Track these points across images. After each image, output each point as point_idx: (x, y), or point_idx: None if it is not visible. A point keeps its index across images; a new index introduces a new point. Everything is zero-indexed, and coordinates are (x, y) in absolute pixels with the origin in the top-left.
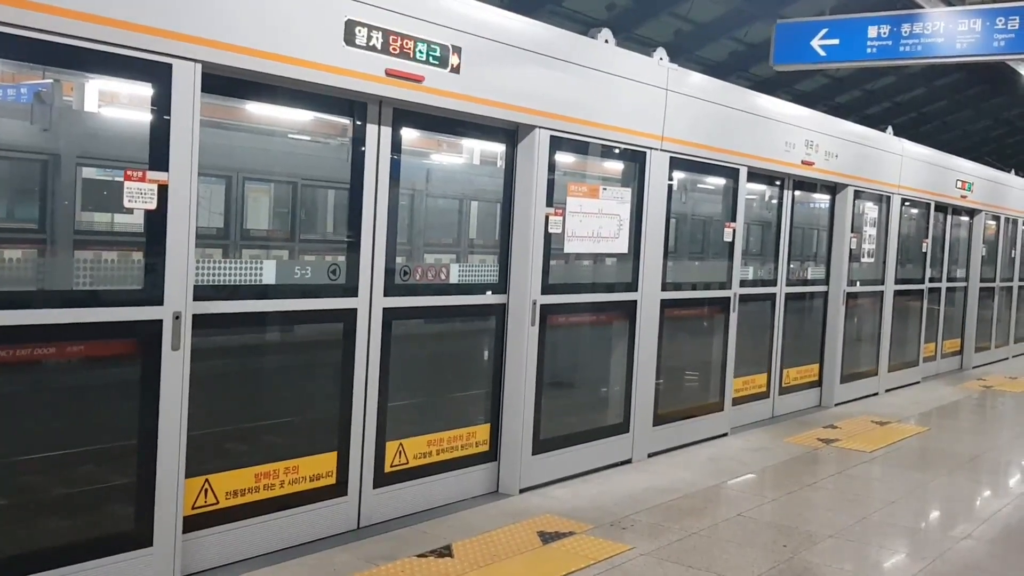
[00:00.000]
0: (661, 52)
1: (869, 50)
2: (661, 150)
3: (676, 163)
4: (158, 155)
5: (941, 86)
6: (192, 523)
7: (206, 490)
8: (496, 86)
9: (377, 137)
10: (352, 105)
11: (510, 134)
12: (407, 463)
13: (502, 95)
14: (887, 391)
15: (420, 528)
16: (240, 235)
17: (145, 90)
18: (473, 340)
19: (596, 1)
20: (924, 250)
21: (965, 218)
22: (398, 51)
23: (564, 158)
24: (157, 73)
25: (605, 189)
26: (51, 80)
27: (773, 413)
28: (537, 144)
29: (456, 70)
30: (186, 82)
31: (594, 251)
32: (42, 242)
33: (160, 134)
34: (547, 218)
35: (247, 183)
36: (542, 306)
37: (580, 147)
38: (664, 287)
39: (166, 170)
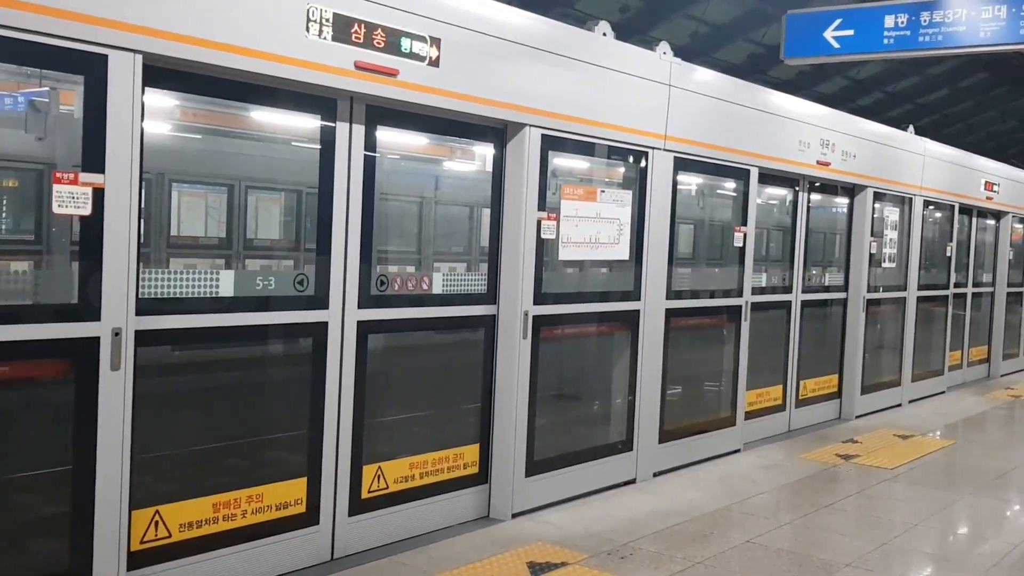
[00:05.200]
0: (664, 46)
1: (886, 41)
2: (664, 150)
3: (681, 164)
4: (92, 155)
5: (965, 87)
6: (140, 559)
7: (156, 522)
8: (481, 81)
9: (348, 136)
10: (319, 101)
11: (498, 133)
12: (386, 488)
13: (488, 91)
14: (911, 402)
15: (399, 559)
16: (244, 245)
17: (79, 83)
18: (461, 354)
19: (609, 2)
20: (948, 254)
21: (991, 221)
22: (368, 42)
23: (557, 159)
24: (90, 65)
25: (603, 192)
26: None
27: (789, 427)
28: (527, 144)
29: (435, 63)
30: (124, 75)
31: (591, 258)
32: None
33: (95, 132)
34: (539, 223)
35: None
36: (535, 317)
37: (575, 147)
38: (669, 295)
39: (102, 172)
